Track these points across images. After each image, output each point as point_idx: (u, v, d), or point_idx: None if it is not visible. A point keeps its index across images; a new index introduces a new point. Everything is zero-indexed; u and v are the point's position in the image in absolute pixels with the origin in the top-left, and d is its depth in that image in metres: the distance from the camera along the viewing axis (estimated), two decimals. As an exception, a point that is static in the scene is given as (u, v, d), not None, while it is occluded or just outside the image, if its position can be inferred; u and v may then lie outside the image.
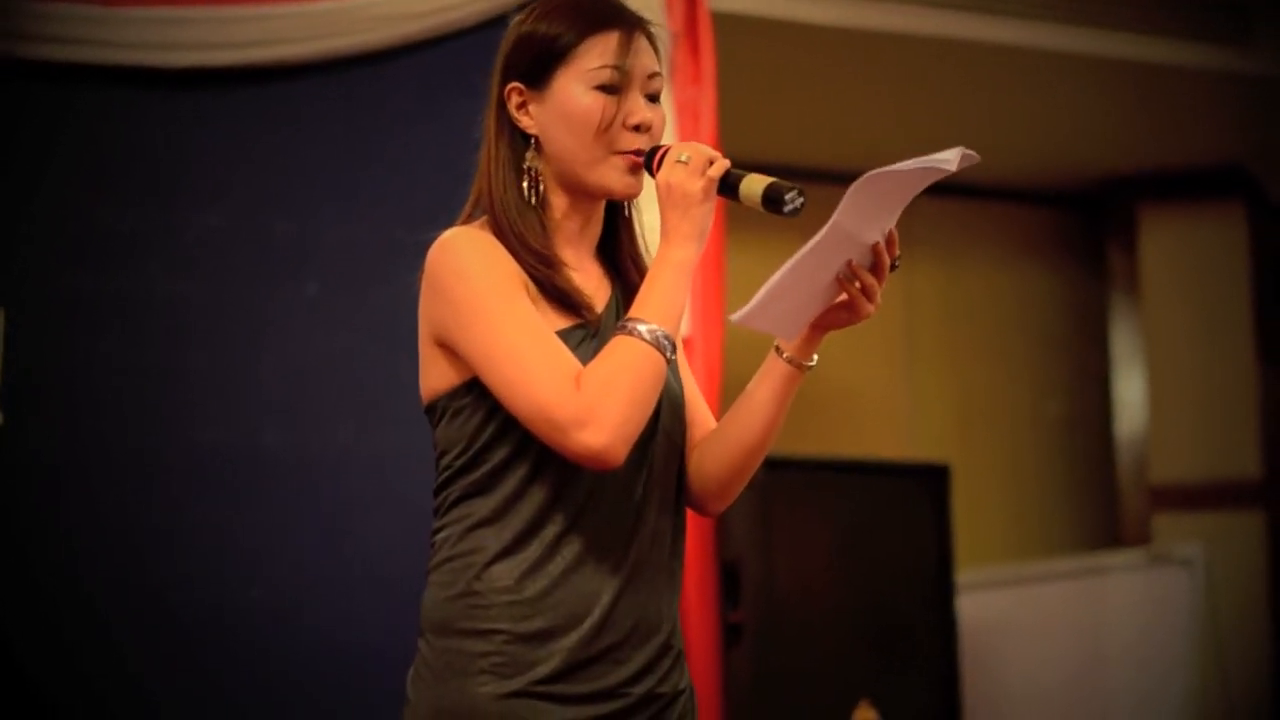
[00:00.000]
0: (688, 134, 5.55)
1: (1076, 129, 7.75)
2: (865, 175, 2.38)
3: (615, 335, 2.45)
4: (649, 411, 2.45)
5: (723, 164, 2.50)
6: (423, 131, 5.19)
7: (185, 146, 5.18)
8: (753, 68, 6.58)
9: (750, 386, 2.64)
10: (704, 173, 2.49)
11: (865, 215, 2.46)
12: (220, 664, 4.97)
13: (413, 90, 5.30)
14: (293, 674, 5.01)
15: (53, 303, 5.01)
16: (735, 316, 2.52)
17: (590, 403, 2.38)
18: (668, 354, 2.44)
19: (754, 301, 2.48)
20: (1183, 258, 8.24)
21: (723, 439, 2.65)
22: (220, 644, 4.97)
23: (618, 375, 2.41)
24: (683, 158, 2.50)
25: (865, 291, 2.53)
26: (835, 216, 2.41)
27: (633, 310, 2.47)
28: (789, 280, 2.47)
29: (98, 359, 5.02)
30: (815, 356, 2.61)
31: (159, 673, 4.92)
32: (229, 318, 5.15)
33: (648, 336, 2.43)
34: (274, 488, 5.11)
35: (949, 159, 2.39)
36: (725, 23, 5.87)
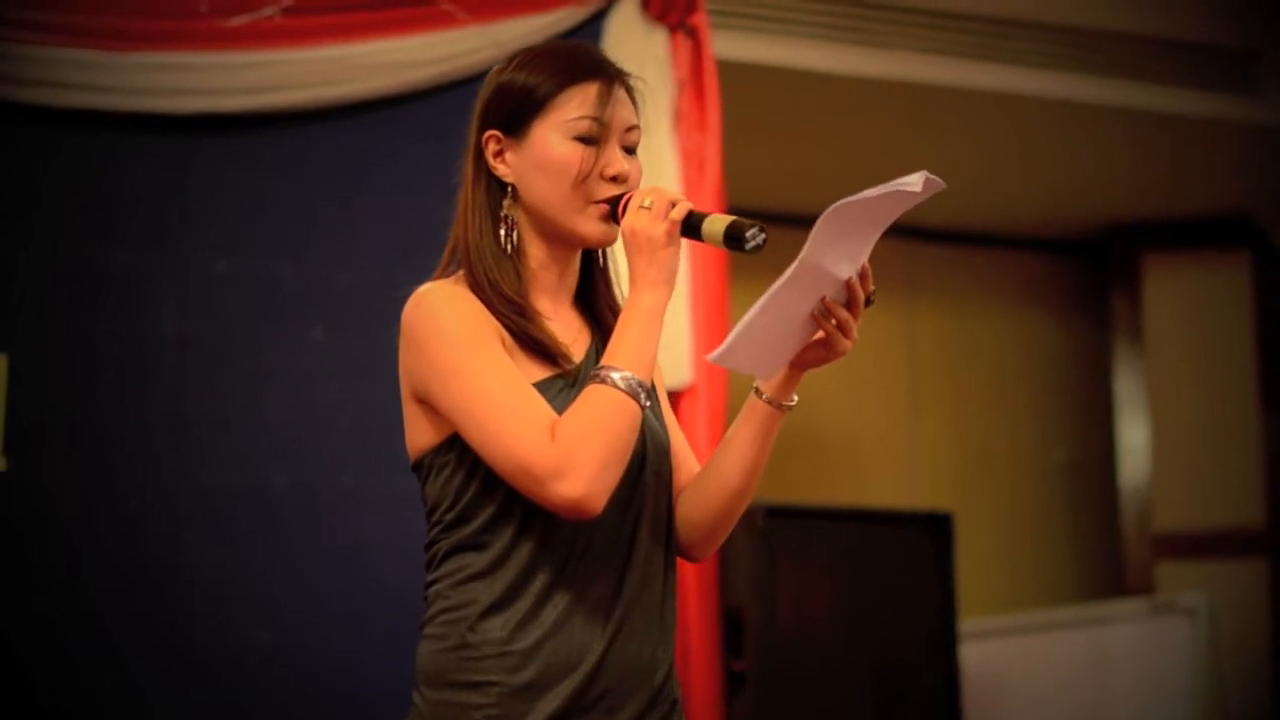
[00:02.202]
0: (693, 181, 5.57)
1: (1081, 177, 7.76)
2: (831, 207, 2.38)
3: (589, 384, 2.45)
4: (625, 459, 2.45)
5: (685, 206, 2.50)
6: (429, 177, 5.18)
7: (191, 191, 5.18)
8: (758, 115, 6.59)
9: (731, 430, 2.65)
10: (667, 216, 2.49)
11: (836, 249, 2.46)
12: (228, 706, 4.96)
13: (419, 136, 5.30)
14: (300, 715, 5.00)
15: (58, 347, 5.01)
16: (711, 356, 2.52)
17: (566, 453, 2.39)
18: (641, 401, 2.45)
19: (727, 341, 2.49)
20: (1187, 305, 8.25)
21: (706, 483, 2.66)
22: (228, 686, 4.97)
23: (593, 424, 2.41)
24: (645, 203, 2.51)
25: (841, 327, 2.54)
26: (804, 252, 2.42)
27: (605, 358, 2.48)
28: (762, 318, 2.47)
29: (103, 403, 5.02)
30: (795, 396, 2.62)
31: (169, 714, 4.91)
32: (235, 361, 5.15)
33: (621, 384, 2.44)
34: (280, 530, 5.11)
35: (914, 183, 2.39)
36: (730, 70, 5.88)
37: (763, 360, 2.57)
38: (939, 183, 2.41)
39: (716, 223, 2.48)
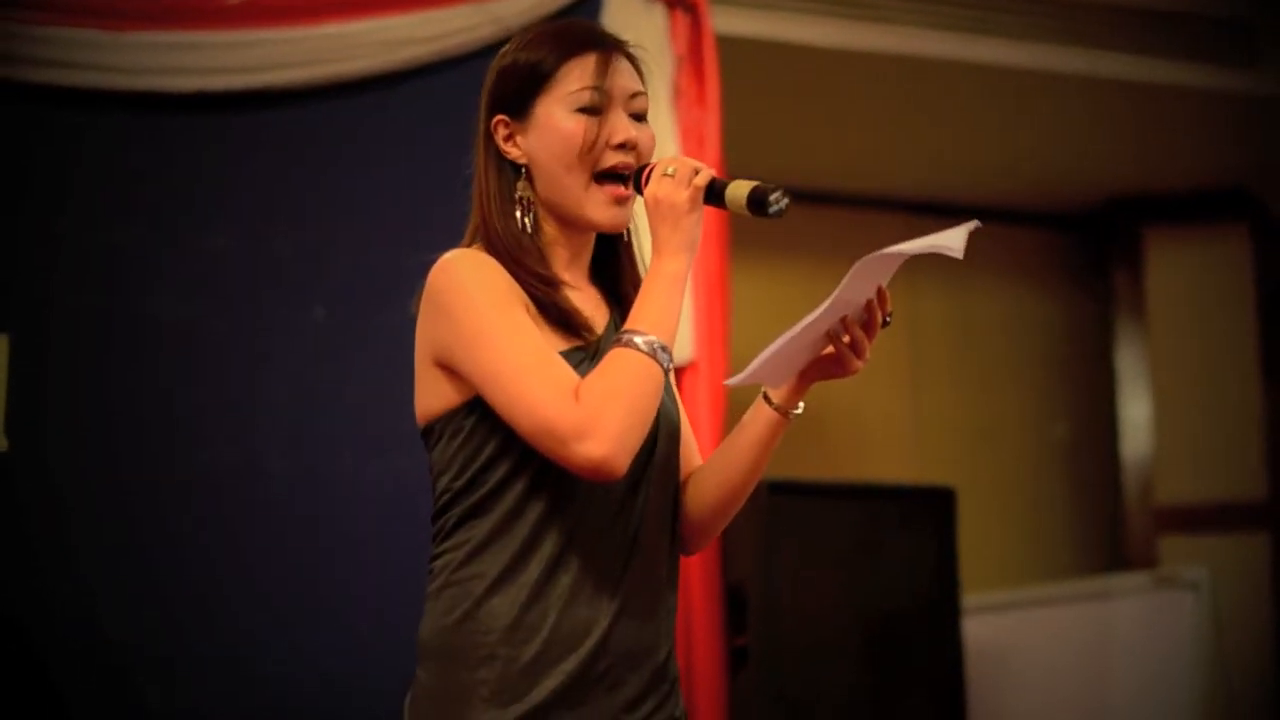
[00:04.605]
0: (692, 156, 5.56)
1: (1081, 151, 7.75)
2: (871, 255, 2.44)
3: (613, 347, 2.46)
4: (649, 422, 2.46)
5: (708, 173, 2.53)
6: (428, 155, 5.18)
7: (191, 170, 5.19)
8: (757, 90, 6.58)
9: (736, 430, 2.68)
10: (690, 183, 2.51)
11: (866, 283, 2.51)
12: (225, 686, 4.97)
13: (419, 114, 5.31)
14: (298, 697, 5.01)
15: (58, 327, 5.01)
16: (731, 382, 2.60)
17: (590, 414, 2.39)
18: (665, 364, 2.47)
19: (750, 368, 2.55)
20: (1188, 280, 8.24)
21: (706, 479, 2.70)
22: (224, 667, 4.97)
23: (617, 386, 2.42)
24: (669, 171, 2.53)
25: (854, 346, 2.58)
26: (839, 290, 2.47)
27: (629, 323, 2.49)
28: (787, 347, 2.52)
29: (103, 382, 5.02)
30: (801, 405, 2.65)
31: (164, 694, 4.92)
32: (235, 341, 5.16)
33: (645, 348, 2.45)
34: (279, 509, 5.11)
35: (955, 248, 2.43)
36: (729, 45, 5.88)
37: (775, 373, 2.61)
38: (978, 226, 2.47)
39: (740, 188, 2.51)
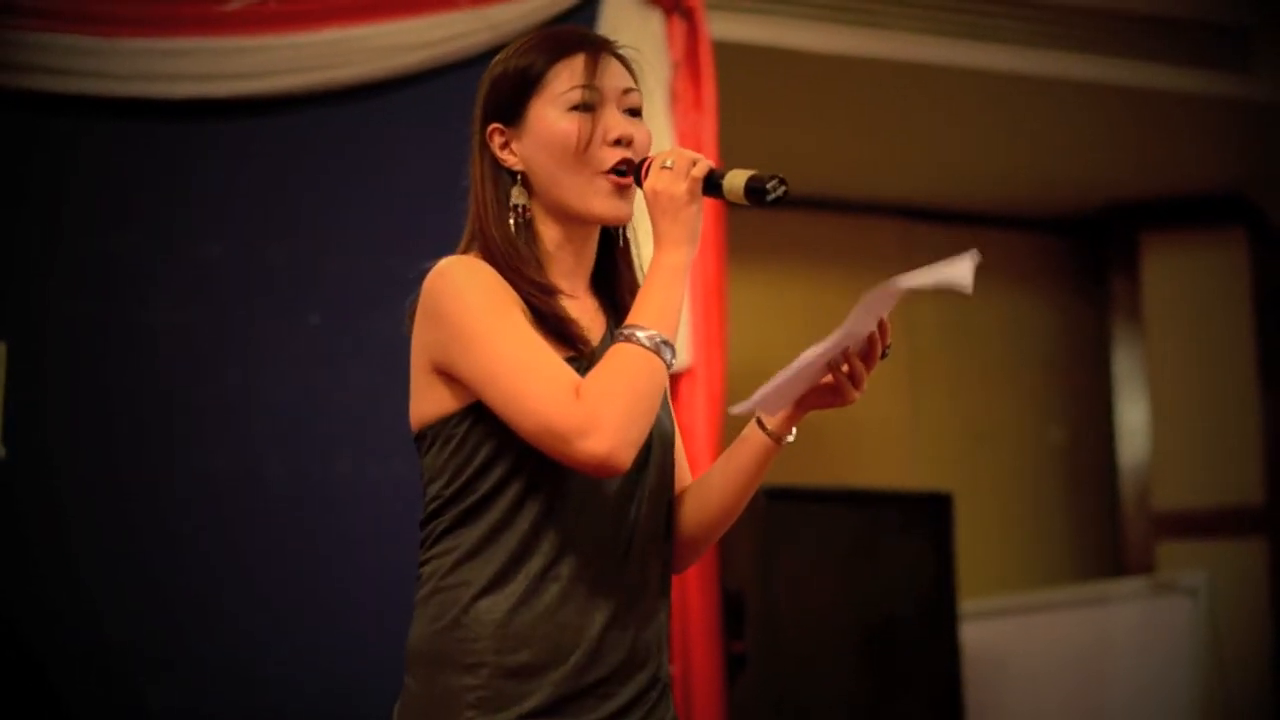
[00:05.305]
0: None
1: (1078, 156, 7.75)
2: (876, 289, 2.44)
3: (614, 343, 2.46)
4: (652, 417, 2.45)
5: (705, 164, 2.53)
6: (424, 162, 5.18)
7: (186, 177, 5.18)
8: (754, 96, 6.58)
9: (727, 454, 2.67)
10: (688, 174, 2.51)
11: (869, 316, 2.51)
12: (225, 689, 4.97)
13: (415, 120, 5.30)
14: (298, 699, 5.01)
15: (55, 334, 5.01)
16: (735, 410, 2.58)
17: (591, 411, 2.38)
18: (667, 358, 2.46)
19: (754, 399, 2.55)
20: (1185, 284, 8.24)
21: (697, 499, 2.69)
22: (225, 669, 4.97)
23: (617, 382, 2.41)
24: (667, 163, 2.53)
25: (853, 377, 2.57)
26: (845, 326, 2.48)
27: (630, 317, 2.48)
28: (792, 379, 2.53)
29: (100, 390, 5.02)
30: (794, 432, 2.64)
31: (165, 696, 4.92)
32: (230, 347, 5.15)
33: (646, 342, 2.44)
34: (276, 515, 5.11)
35: (964, 284, 2.43)
36: (726, 51, 5.88)
37: (773, 400, 2.61)
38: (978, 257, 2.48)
39: (737, 177, 2.51)
